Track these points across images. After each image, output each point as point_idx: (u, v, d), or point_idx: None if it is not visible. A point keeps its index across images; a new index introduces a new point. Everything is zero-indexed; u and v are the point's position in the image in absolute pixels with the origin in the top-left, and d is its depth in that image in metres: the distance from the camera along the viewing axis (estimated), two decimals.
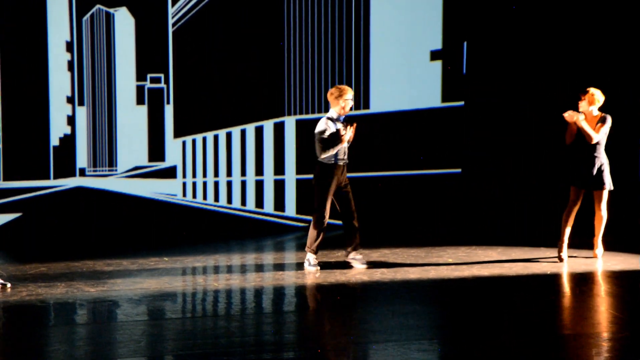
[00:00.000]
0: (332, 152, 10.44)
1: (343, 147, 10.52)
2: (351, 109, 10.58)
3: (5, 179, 13.44)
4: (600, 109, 10.89)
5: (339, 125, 10.48)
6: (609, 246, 11.48)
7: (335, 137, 10.40)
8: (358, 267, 10.69)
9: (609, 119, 10.78)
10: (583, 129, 10.71)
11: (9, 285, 9.68)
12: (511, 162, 14.09)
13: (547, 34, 13.90)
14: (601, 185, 10.87)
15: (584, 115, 10.78)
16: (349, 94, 10.55)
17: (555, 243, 11.16)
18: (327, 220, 10.71)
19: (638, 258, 11.11)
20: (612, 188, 10.94)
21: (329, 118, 10.51)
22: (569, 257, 11.04)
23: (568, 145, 10.93)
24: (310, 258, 10.69)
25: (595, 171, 10.82)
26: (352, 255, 10.81)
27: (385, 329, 7.98)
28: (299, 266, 10.98)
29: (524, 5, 14.04)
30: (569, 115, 10.75)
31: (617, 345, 7.37)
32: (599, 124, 10.75)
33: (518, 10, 14.05)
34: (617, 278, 10.12)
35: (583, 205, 11.13)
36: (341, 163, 10.56)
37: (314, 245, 10.67)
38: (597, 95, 10.82)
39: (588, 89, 10.87)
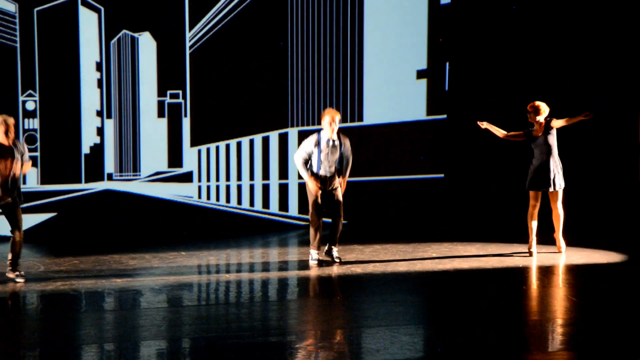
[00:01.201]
0: (299, 169, 10.57)
1: (327, 162, 10.50)
2: (333, 129, 10.43)
3: (43, 183, 13.46)
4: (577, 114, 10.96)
5: (323, 145, 10.46)
6: (582, 242, 11.50)
7: (307, 166, 10.51)
8: (334, 261, 10.63)
9: (554, 124, 10.85)
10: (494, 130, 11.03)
11: (22, 280, 9.61)
12: (488, 167, 14.10)
13: (522, 52, 13.92)
14: (556, 186, 10.91)
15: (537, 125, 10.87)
16: (325, 118, 10.47)
17: (526, 240, 11.19)
18: (318, 219, 10.63)
19: (600, 252, 11.12)
20: (563, 187, 11.00)
21: (318, 135, 10.51)
22: (538, 252, 11.07)
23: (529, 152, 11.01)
24: (313, 253, 10.67)
25: (550, 174, 10.85)
26: (327, 249, 10.76)
27: (376, 315, 8.00)
28: (301, 260, 11.00)
29: (501, 27, 14.07)
30: (480, 124, 11.01)
31: (577, 329, 7.40)
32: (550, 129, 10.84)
33: (495, 34, 14.07)
34: (578, 270, 10.15)
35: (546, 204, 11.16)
36: (322, 173, 10.55)
37: (314, 243, 10.65)
38: (543, 107, 10.89)
39: (533, 103, 10.95)
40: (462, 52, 14.43)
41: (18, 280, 9.53)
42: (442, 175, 14.62)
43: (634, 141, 13.36)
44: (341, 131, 10.63)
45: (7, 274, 9.62)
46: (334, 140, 10.51)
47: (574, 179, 12.69)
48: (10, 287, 9.35)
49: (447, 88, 14.53)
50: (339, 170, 10.64)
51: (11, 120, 9.51)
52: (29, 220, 13.32)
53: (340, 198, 10.65)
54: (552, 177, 10.86)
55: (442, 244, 12.02)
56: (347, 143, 10.64)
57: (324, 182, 10.55)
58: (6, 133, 9.43)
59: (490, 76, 14.14)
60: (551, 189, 10.91)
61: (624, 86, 13.43)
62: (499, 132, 11.25)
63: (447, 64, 14.49)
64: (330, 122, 10.41)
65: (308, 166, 10.56)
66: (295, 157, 10.64)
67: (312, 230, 10.63)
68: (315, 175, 10.51)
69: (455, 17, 14.43)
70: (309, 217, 10.70)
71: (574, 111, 11.60)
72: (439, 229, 13.63)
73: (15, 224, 9.65)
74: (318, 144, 10.49)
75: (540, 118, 10.86)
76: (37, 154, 13.46)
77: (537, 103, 10.91)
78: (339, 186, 10.69)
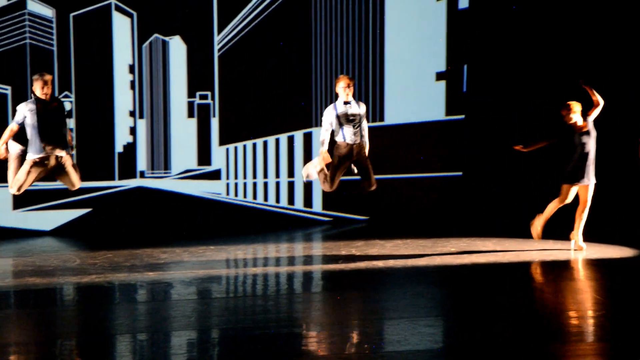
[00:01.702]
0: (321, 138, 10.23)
1: (350, 130, 10.17)
2: (348, 92, 10.12)
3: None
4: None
5: (341, 110, 10.16)
6: (594, 238, 11.40)
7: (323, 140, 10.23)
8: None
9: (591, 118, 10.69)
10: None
11: None
12: (506, 165, 14.02)
13: (538, 54, 13.82)
14: (592, 180, 10.71)
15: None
16: (339, 83, 10.15)
17: (542, 236, 11.08)
18: (332, 184, 10.30)
19: (614, 248, 11.02)
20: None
21: (334, 105, 10.21)
22: (553, 248, 10.97)
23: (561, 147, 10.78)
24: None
25: (588, 169, 10.66)
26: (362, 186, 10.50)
27: (397, 308, 7.96)
28: (325, 254, 10.97)
29: (516, 30, 13.97)
30: (519, 148, 10.95)
31: (595, 322, 7.33)
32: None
33: (510, 37, 13.98)
34: (593, 264, 10.06)
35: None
36: (349, 141, 10.14)
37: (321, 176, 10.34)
38: (576, 104, 10.68)
39: (567, 105, 10.72)
40: (479, 55, 14.36)
41: None
42: (460, 173, 14.54)
43: (634, 140, 13.21)
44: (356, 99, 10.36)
45: None
46: (349, 103, 10.21)
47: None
48: (47, 279, 9.36)
49: (465, 89, 14.46)
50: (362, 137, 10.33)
51: (48, 77, 9.46)
52: (65, 216, 13.37)
53: (369, 164, 10.32)
54: (590, 172, 10.67)
55: (461, 239, 11.95)
56: (362, 108, 10.30)
57: (351, 151, 10.28)
58: (42, 87, 9.39)
59: (507, 78, 14.05)
60: (589, 183, 10.69)
61: (624, 87, 13.26)
62: (539, 145, 10.94)
63: (465, 66, 14.41)
64: (345, 87, 10.11)
65: (336, 137, 10.23)
66: (321, 136, 10.29)
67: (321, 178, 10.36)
68: (342, 145, 10.21)
69: (473, 21, 14.37)
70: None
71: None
72: (457, 224, 13.56)
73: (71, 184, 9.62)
74: (335, 110, 10.15)
75: (577, 115, 10.65)
76: (74, 152, 13.47)
77: (570, 103, 10.69)
78: (365, 156, 10.33)
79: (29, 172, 9.37)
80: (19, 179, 9.41)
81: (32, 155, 9.40)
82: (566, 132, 10.72)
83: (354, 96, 10.30)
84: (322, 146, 10.22)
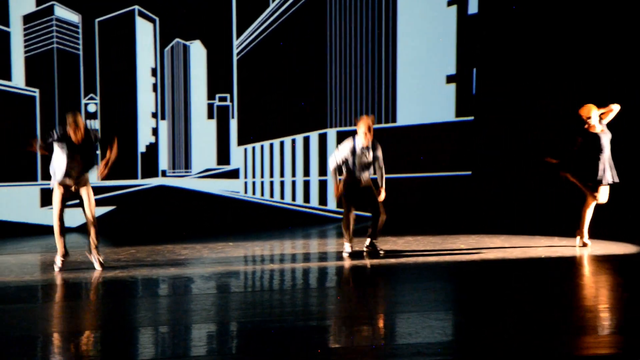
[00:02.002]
0: (330, 172, 10.48)
1: (359, 166, 10.28)
2: (369, 138, 10.17)
3: (103, 178, 13.56)
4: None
5: (358, 152, 10.23)
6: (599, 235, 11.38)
7: (336, 173, 10.37)
8: (377, 254, 10.47)
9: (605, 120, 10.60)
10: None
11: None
12: (513, 165, 14.01)
13: (544, 57, 13.81)
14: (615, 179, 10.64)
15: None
16: (360, 127, 10.17)
17: (547, 233, 11.06)
18: (349, 215, 10.42)
19: (617, 244, 11.00)
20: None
21: (354, 141, 10.26)
22: (563, 244, 10.95)
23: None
24: (346, 246, 10.58)
25: (612, 169, 10.59)
26: (367, 243, 10.63)
27: (408, 302, 7.97)
28: (339, 250, 10.98)
29: (524, 34, 13.96)
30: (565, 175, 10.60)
31: (602, 315, 7.33)
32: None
33: (518, 41, 13.97)
34: (599, 261, 10.04)
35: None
36: (357, 175, 10.31)
37: (347, 236, 10.52)
38: (591, 107, 10.56)
39: (584, 109, 10.54)
40: (488, 58, 14.34)
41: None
42: (469, 172, 14.53)
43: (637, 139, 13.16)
44: (375, 136, 10.41)
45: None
46: (367, 148, 10.27)
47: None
48: (73, 274, 9.43)
49: (474, 92, 14.45)
50: (372, 171, 10.45)
51: (79, 119, 9.54)
52: None
53: (378, 196, 10.44)
54: (612, 171, 10.60)
55: (470, 236, 11.94)
56: (379, 151, 10.33)
57: (358, 182, 10.44)
58: (75, 131, 9.50)
59: (515, 80, 14.04)
60: (616, 181, 10.60)
61: (630, 87, 13.18)
62: (568, 153, 10.71)
63: (475, 69, 14.40)
64: (366, 132, 10.16)
65: (343, 168, 10.41)
66: (330, 160, 10.41)
67: (344, 225, 10.54)
68: (351, 176, 10.40)
69: (482, 26, 14.35)
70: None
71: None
72: (466, 222, 13.55)
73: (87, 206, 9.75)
74: (354, 150, 10.26)
75: (595, 118, 10.52)
76: (98, 152, 13.56)
77: (587, 106, 10.56)
78: (372, 185, 10.48)
79: (58, 196, 9.60)
80: (54, 206, 9.62)
81: (55, 179, 9.59)
82: (584, 134, 10.55)
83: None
84: (333, 176, 10.38)
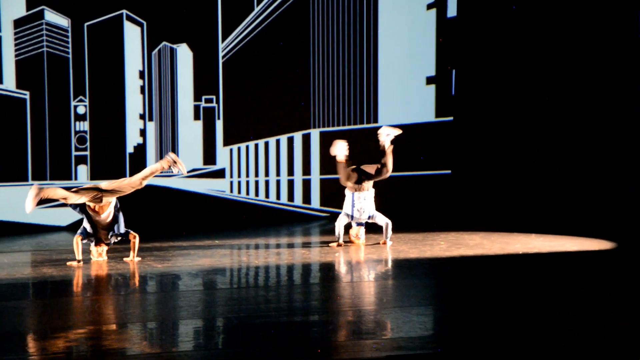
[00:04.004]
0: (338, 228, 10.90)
1: (358, 213, 10.89)
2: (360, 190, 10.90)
3: (92, 178, 13.49)
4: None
5: (356, 201, 10.90)
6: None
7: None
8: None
9: None
10: None
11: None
12: (491, 163, 14.04)
13: (521, 58, 13.82)
14: None
15: None
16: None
17: (525, 230, 11.08)
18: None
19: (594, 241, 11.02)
20: None
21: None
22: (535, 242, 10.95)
23: None
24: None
25: None
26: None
27: (391, 298, 7.96)
28: (322, 247, 10.97)
29: (501, 37, 13.98)
30: None
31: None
32: None
33: (496, 44, 13.98)
34: (577, 257, 10.06)
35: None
36: (356, 217, 10.98)
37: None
38: None
39: None
40: (466, 60, 14.37)
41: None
42: (449, 171, 14.55)
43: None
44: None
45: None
46: (360, 194, 10.85)
47: (579, 172, 12.57)
48: (62, 272, 9.37)
49: (453, 93, 14.47)
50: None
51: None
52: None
53: (381, 222, 10.94)
54: None
55: (450, 233, 11.96)
56: (371, 187, 11.01)
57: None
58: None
59: (493, 81, 14.07)
60: None
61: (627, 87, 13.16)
62: None
63: (454, 70, 14.42)
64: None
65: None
66: (337, 222, 10.92)
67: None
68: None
69: (461, 29, 14.38)
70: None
71: (576, 111, 11.40)
72: (446, 220, 13.56)
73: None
74: (352, 203, 10.81)
75: None
76: (87, 153, 13.49)
77: None
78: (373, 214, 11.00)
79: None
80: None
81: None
82: None
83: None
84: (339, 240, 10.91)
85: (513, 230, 12.04)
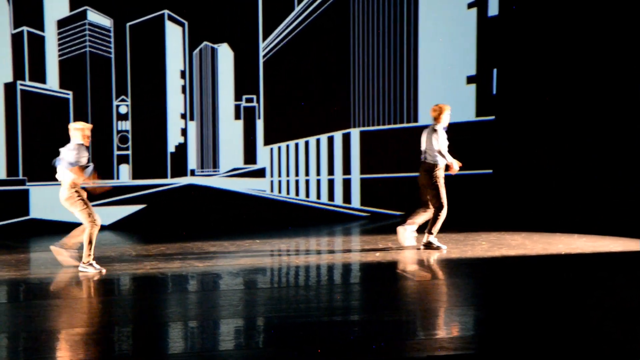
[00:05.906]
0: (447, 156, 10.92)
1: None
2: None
3: (134, 178, 13.60)
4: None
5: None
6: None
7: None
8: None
9: None
10: None
11: (103, 271, 9.32)
12: (534, 163, 13.90)
13: (561, 56, 13.66)
14: None
15: None
16: (446, 112, 11.07)
17: (567, 230, 10.96)
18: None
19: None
20: None
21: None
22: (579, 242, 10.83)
23: None
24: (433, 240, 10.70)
25: None
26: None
27: (432, 297, 7.93)
28: (363, 247, 10.94)
29: (541, 36, 13.84)
30: None
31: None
32: None
33: (536, 43, 13.85)
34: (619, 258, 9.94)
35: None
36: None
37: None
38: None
39: None
40: (508, 59, 14.25)
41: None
42: (490, 170, 14.45)
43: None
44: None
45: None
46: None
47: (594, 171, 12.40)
48: (106, 270, 9.45)
49: (494, 92, 14.36)
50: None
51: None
52: (122, 211, 13.49)
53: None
54: None
55: (491, 233, 11.88)
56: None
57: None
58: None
59: (534, 80, 13.93)
60: None
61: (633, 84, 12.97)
62: None
63: (495, 70, 14.32)
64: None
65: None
66: (443, 150, 10.96)
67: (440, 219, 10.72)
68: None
69: (502, 28, 14.27)
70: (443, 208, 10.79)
71: (616, 108, 11.24)
72: (488, 219, 13.46)
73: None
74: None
75: None
76: (129, 152, 13.60)
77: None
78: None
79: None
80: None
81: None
82: None
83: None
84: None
85: (555, 231, 11.92)
